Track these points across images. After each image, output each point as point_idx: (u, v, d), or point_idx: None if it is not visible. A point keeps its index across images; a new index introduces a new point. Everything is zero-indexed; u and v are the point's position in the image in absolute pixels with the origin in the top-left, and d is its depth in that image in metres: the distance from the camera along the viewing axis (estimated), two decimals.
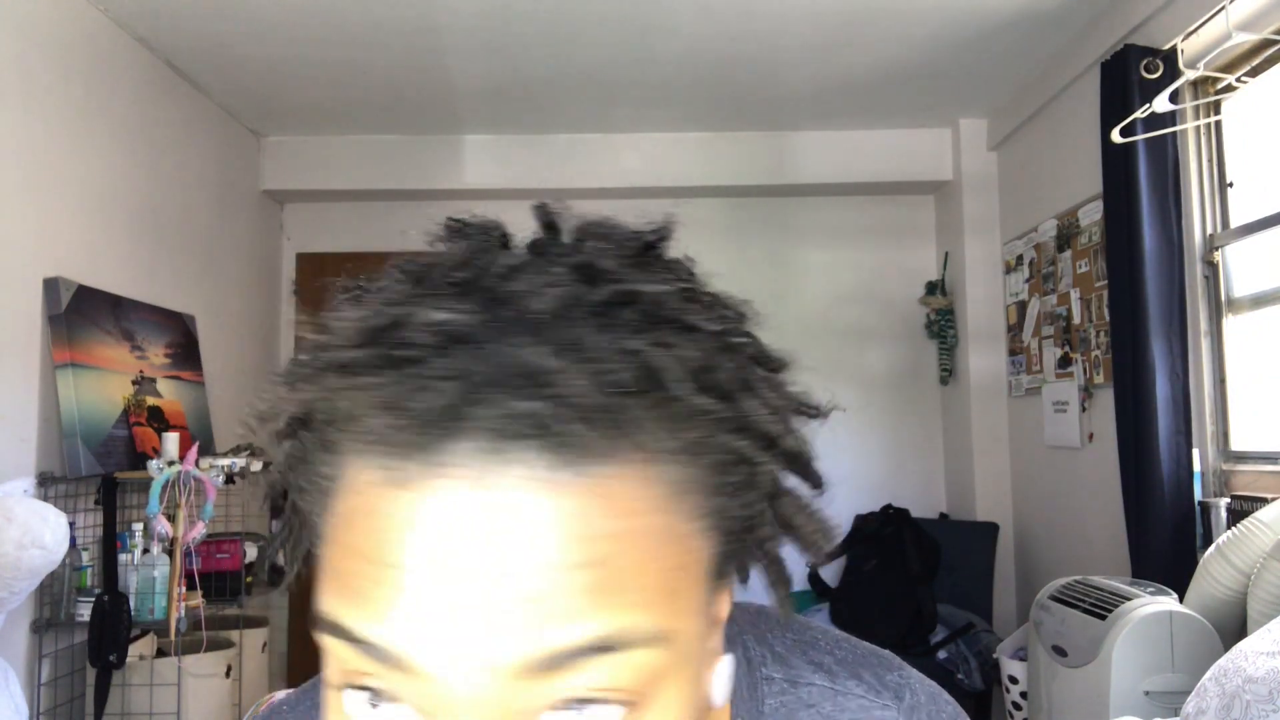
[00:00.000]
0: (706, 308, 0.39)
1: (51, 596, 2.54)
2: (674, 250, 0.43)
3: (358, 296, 0.41)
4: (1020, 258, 3.79)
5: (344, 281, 0.43)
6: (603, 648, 0.33)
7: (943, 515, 4.18)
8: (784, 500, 0.41)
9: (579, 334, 0.34)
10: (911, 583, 3.33)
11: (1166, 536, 2.58)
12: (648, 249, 0.41)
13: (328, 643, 0.36)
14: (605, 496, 0.33)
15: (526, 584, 0.32)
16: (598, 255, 0.38)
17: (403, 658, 0.33)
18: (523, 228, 0.44)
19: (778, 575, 0.44)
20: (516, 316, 0.35)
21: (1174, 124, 2.59)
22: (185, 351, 3.31)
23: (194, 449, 2.60)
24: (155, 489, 2.47)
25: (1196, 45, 2.44)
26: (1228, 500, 2.51)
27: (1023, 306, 3.77)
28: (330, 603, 0.35)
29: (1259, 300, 2.58)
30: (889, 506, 3.74)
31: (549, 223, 0.42)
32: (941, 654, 3.22)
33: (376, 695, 0.35)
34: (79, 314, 2.71)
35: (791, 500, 0.42)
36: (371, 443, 0.34)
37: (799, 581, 3.74)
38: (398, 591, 0.33)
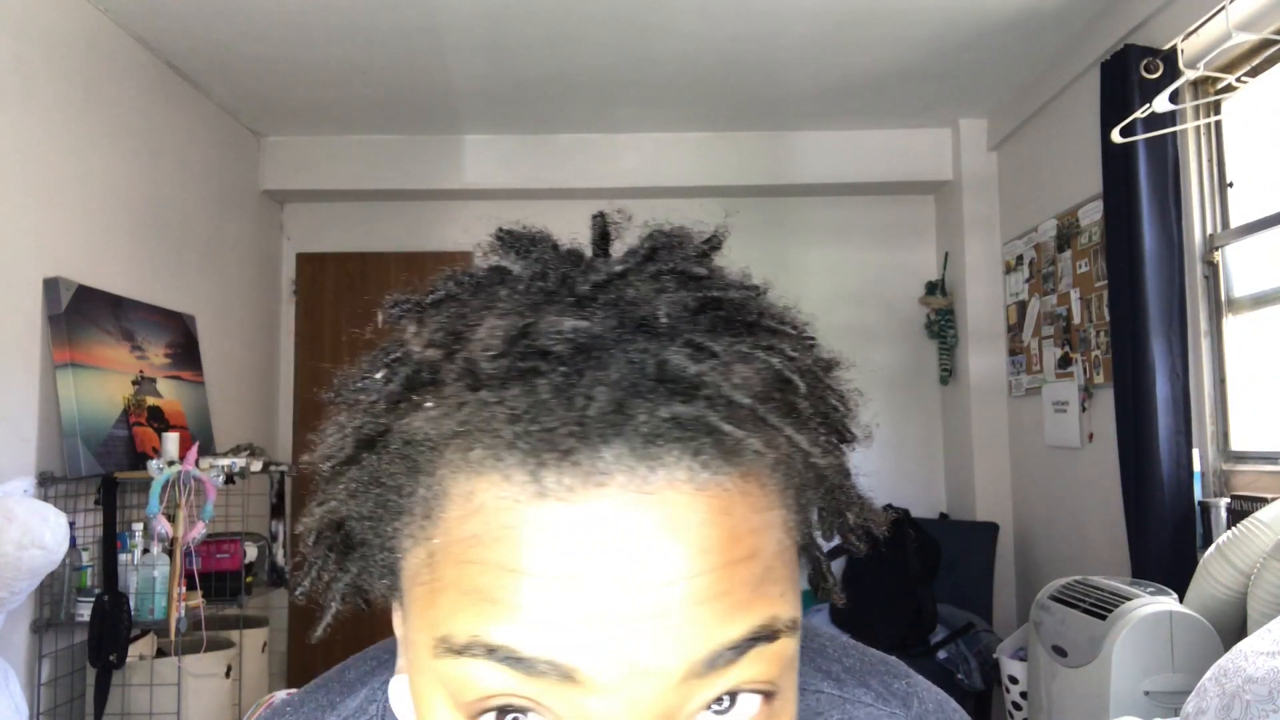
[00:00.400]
0: (777, 313, 0.41)
1: (51, 596, 2.54)
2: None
3: (418, 310, 0.40)
4: (1020, 258, 3.79)
5: (396, 295, 0.42)
6: (761, 638, 0.34)
7: (943, 515, 4.18)
8: (842, 490, 0.43)
9: (703, 339, 0.35)
10: (911, 583, 3.32)
11: (1166, 536, 2.58)
12: (712, 253, 0.43)
13: (460, 668, 0.34)
14: (743, 494, 0.35)
15: (695, 586, 0.33)
16: (687, 263, 0.39)
17: (574, 670, 0.32)
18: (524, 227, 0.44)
19: (824, 567, 0.45)
20: (643, 323, 0.35)
21: (1174, 124, 2.59)
22: (185, 351, 3.31)
23: (194, 449, 2.60)
24: (155, 489, 2.47)
25: (1196, 45, 2.44)
26: (1228, 500, 2.51)
27: (1023, 306, 3.77)
28: (473, 623, 0.33)
29: (1259, 300, 2.58)
30: (889, 506, 3.73)
31: (604, 231, 0.43)
32: (941, 654, 3.22)
33: (523, 715, 0.34)
34: (79, 314, 2.71)
35: (847, 490, 0.43)
36: (516, 454, 0.33)
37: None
38: (565, 603, 0.32)
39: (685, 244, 0.41)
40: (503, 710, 0.34)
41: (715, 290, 0.38)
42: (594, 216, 0.43)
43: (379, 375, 0.38)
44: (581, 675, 0.32)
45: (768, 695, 0.35)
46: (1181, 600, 2.22)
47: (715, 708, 0.34)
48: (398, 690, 0.47)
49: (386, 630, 0.47)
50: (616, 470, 0.33)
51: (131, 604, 2.55)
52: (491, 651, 0.33)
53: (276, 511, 3.36)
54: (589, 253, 0.43)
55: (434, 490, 0.36)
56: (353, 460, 0.38)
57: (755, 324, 0.38)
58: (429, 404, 0.36)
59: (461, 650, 0.34)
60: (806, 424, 0.38)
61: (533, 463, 0.33)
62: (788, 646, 0.35)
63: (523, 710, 0.34)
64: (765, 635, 0.34)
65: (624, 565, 0.32)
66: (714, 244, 0.43)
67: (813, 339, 0.42)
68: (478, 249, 0.42)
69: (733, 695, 0.35)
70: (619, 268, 0.38)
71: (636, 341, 0.34)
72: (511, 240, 0.41)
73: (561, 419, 0.33)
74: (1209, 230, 2.73)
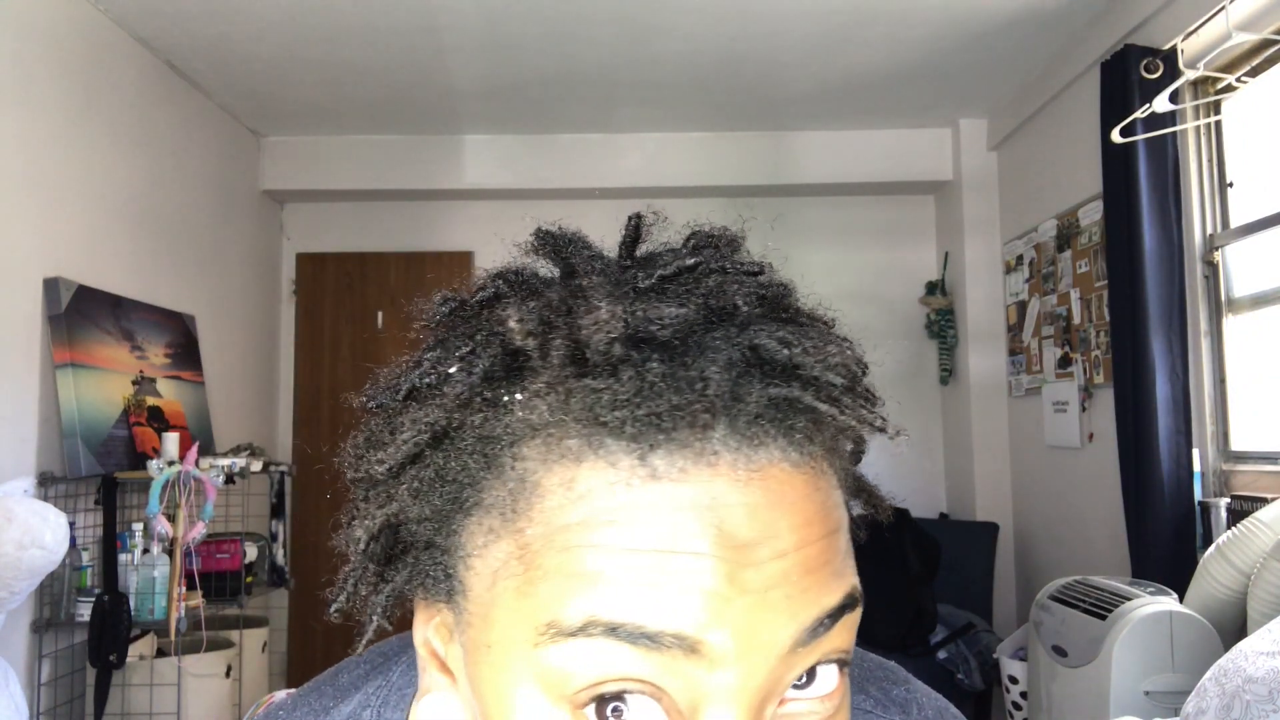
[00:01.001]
0: (812, 308, 0.44)
1: (51, 596, 2.54)
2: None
3: (472, 305, 0.41)
4: (1020, 258, 3.79)
5: (445, 293, 0.42)
6: (849, 605, 0.37)
7: (943, 515, 4.18)
8: (859, 479, 0.45)
9: (783, 329, 0.37)
10: (911, 583, 3.32)
11: (1166, 536, 2.58)
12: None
13: (571, 653, 0.34)
14: (823, 472, 0.37)
15: (805, 556, 0.35)
16: (740, 258, 0.41)
17: (699, 643, 0.33)
18: (523, 228, 0.45)
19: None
20: (723, 312, 0.37)
21: (1174, 124, 2.59)
22: (185, 351, 3.31)
23: (194, 449, 2.60)
24: (155, 489, 2.47)
25: (1196, 45, 2.44)
26: (1228, 500, 2.51)
27: (1023, 306, 3.77)
28: (588, 605, 0.33)
29: (1259, 300, 2.58)
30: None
31: (637, 233, 0.43)
32: (941, 654, 3.22)
33: (624, 703, 0.34)
34: (79, 314, 2.71)
35: (861, 478, 0.45)
36: (620, 439, 0.34)
37: None
38: (687, 578, 0.33)
39: (729, 242, 0.43)
40: (602, 700, 0.34)
41: (773, 284, 0.40)
42: (630, 218, 0.43)
43: (453, 369, 0.38)
44: (706, 647, 0.33)
45: (843, 665, 0.38)
46: (1181, 600, 2.22)
47: (795, 684, 0.36)
48: (431, 711, 0.45)
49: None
50: (724, 450, 0.34)
51: (131, 604, 2.55)
52: (614, 630, 0.33)
53: (276, 511, 3.36)
54: (612, 253, 0.43)
55: (521, 482, 0.35)
56: (416, 459, 0.38)
57: (809, 315, 0.41)
58: (517, 395, 0.36)
59: (576, 632, 0.33)
60: (868, 408, 0.40)
61: (641, 446, 0.34)
62: (859, 615, 0.38)
63: (625, 695, 0.34)
64: (852, 602, 0.37)
65: (742, 539, 0.34)
66: (740, 240, 0.45)
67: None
68: (519, 249, 0.43)
69: (810, 671, 0.36)
70: (690, 260, 0.39)
71: (725, 328, 0.36)
72: (553, 240, 0.42)
73: (672, 403, 0.34)
74: (1209, 230, 2.73)
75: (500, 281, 0.41)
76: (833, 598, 0.36)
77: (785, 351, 0.36)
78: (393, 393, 0.40)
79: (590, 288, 0.38)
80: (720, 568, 0.33)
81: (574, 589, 0.34)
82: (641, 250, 0.43)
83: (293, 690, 0.59)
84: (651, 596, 0.33)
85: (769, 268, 0.41)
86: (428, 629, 0.42)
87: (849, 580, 0.37)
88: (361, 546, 0.41)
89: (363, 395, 0.41)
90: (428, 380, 0.38)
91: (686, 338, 0.35)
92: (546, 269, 0.42)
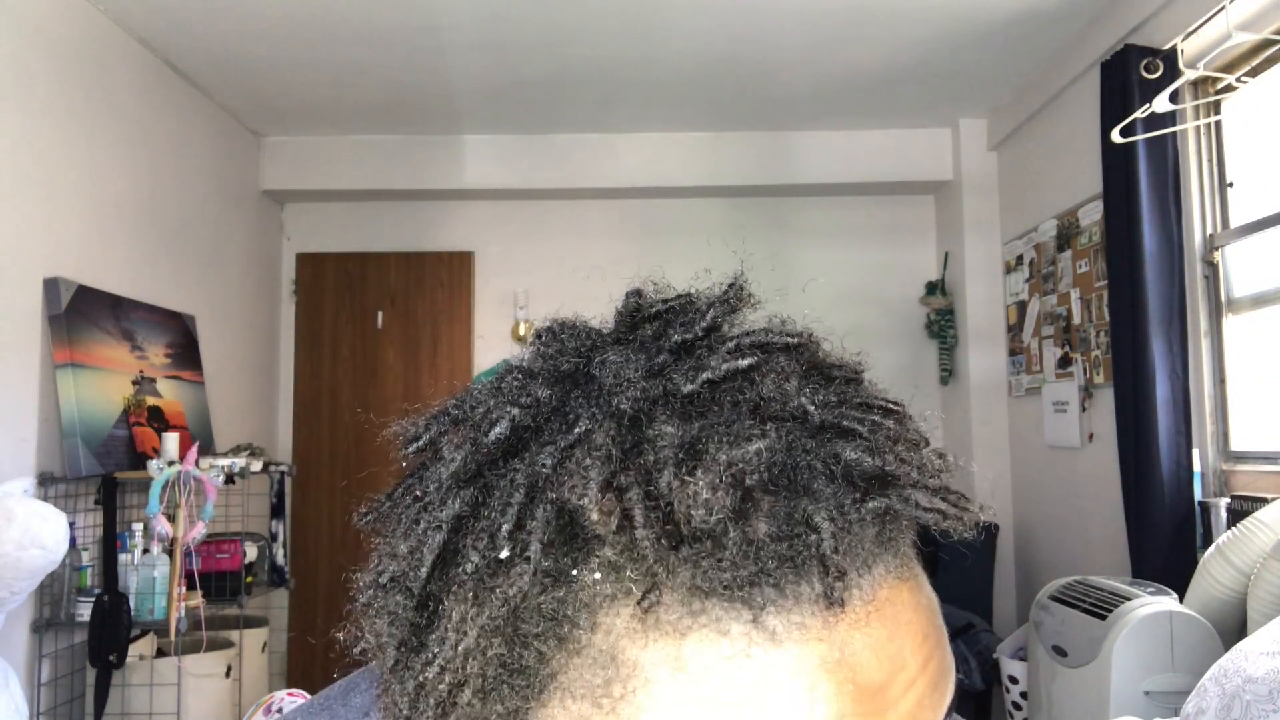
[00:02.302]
0: (844, 361, 0.41)
1: (51, 596, 2.54)
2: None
3: (488, 446, 0.34)
4: (1020, 258, 3.79)
5: (432, 420, 0.36)
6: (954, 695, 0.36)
7: None
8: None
9: (855, 424, 0.34)
10: None
11: (1166, 536, 2.58)
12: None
13: None
14: (917, 568, 0.37)
15: (931, 672, 0.34)
16: (773, 334, 0.37)
17: None
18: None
19: None
20: (789, 417, 0.34)
21: (1174, 124, 2.59)
22: (185, 351, 3.31)
23: (194, 449, 2.60)
24: (155, 489, 2.47)
25: (1196, 45, 2.44)
26: (1228, 500, 2.51)
27: (1023, 306, 3.77)
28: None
29: (1259, 300, 2.58)
30: None
31: (635, 315, 0.38)
32: None
33: None
34: (79, 314, 2.71)
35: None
36: (722, 603, 0.30)
37: None
38: (914, 690, 0.32)
39: (737, 294, 0.38)
40: None
41: (809, 349, 0.37)
42: (628, 295, 0.39)
43: (504, 553, 0.31)
44: None
45: None
46: (1181, 600, 2.22)
47: None
48: None
49: None
50: (847, 589, 0.31)
51: (131, 604, 2.55)
52: None
53: (276, 511, 3.36)
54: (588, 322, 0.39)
55: (613, 662, 0.31)
56: (469, 655, 0.32)
57: (842, 370, 0.38)
58: (595, 574, 0.31)
59: None
60: (963, 502, 0.38)
61: (753, 609, 0.30)
62: None
63: None
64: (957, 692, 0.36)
65: (876, 684, 0.31)
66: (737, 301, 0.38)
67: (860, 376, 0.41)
68: (522, 347, 0.38)
69: None
70: (745, 363, 0.34)
71: (802, 443, 0.32)
72: (557, 341, 0.37)
73: (781, 555, 0.30)
74: (1209, 230, 2.73)
75: (515, 410, 0.34)
76: (949, 698, 0.34)
77: (876, 462, 0.32)
78: (413, 571, 0.33)
79: (659, 438, 0.32)
80: (924, 676, 0.32)
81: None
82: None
83: (294, 691, 0.59)
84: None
85: (807, 338, 0.38)
86: None
87: (954, 671, 0.35)
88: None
89: (371, 569, 0.35)
90: (468, 565, 0.32)
91: (775, 470, 0.31)
92: (542, 361, 0.37)
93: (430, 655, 0.32)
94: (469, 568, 0.32)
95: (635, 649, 0.30)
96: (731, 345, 0.35)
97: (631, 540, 0.30)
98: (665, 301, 0.38)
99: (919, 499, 0.34)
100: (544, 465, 0.32)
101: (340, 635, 0.36)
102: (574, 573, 0.31)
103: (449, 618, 0.32)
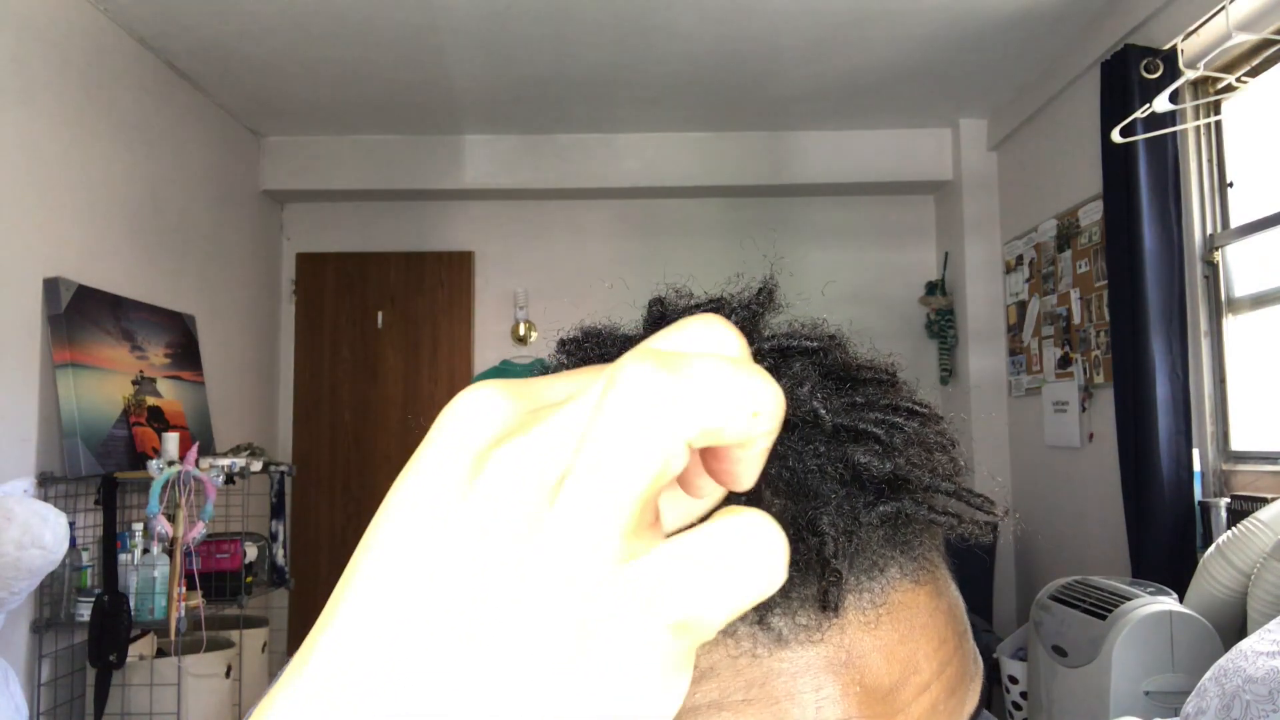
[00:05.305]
0: (865, 359, 0.41)
1: (51, 596, 2.54)
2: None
3: None
4: (1020, 258, 3.79)
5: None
6: (982, 702, 0.36)
7: None
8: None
9: (873, 426, 0.34)
10: None
11: (1166, 536, 2.58)
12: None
13: None
14: (938, 571, 0.36)
15: (947, 677, 0.33)
16: (791, 338, 0.37)
17: None
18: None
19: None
20: (808, 422, 0.34)
21: (1174, 124, 2.59)
22: (185, 351, 3.31)
23: (194, 449, 2.60)
24: (155, 489, 2.47)
25: (1196, 45, 2.43)
26: (1228, 500, 2.51)
27: (1023, 306, 3.77)
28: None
29: (1259, 300, 2.58)
30: None
31: (662, 320, 0.39)
32: None
33: None
34: (79, 314, 2.71)
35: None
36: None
37: None
38: (928, 694, 0.32)
39: (763, 295, 0.38)
40: None
41: (829, 348, 0.36)
42: (651, 304, 0.39)
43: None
44: None
45: None
46: (1181, 600, 2.22)
47: None
48: None
49: None
50: (848, 593, 0.31)
51: (131, 604, 2.54)
52: None
53: (276, 511, 3.36)
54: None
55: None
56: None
57: (872, 371, 0.37)
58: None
59: None
60: (979, 500, 0.38)
61: (759, 611, 0.30)
62: None
63: None
64: (984, 699, 0.34)
65: (885, 688, 0.31)
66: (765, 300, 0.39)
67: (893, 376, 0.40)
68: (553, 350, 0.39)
69: None
70: (765, 364, 0.35)
71: (815, 447, 0.32)
72: (584, 345, 0.38)
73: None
74: (1209, 230, 2.73)
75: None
76: (971, 704, 0.33)
77: (888, 466, 0.32)
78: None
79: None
80: (937, 678, 0.32)
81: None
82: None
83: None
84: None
85: (829, 339, 0.37)
86: None
87: (980, 677, 0.34)
88: None
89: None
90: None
91: (785, 477, 0.32)
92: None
93: None
94: None
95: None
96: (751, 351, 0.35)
97: None
98: (698, 307, 0.38)
99: (933, 502, 0.33)
100: None
101: None
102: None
103: None
